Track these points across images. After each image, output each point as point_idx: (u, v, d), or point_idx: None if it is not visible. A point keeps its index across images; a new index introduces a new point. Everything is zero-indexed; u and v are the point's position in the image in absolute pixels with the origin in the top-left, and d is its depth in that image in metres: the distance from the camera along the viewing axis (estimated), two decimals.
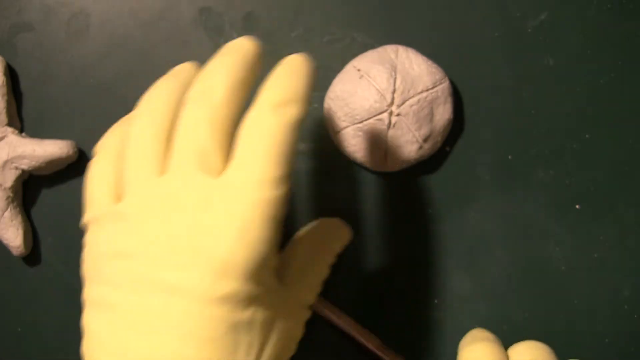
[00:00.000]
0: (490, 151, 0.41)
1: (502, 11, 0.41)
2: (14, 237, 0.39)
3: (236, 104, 0.26)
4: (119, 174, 0.27)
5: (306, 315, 0.32)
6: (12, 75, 0.41)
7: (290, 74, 0.25)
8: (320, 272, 0.34)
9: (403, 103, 0.35)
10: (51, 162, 0.39)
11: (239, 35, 0.41)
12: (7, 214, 0.39)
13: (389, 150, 0.37)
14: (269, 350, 0.25)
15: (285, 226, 0.27)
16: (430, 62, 0.38)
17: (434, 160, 0.40)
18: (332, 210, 0.40)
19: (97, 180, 0.28)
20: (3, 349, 0.41)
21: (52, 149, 0.39)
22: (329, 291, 0.37)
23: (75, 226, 0.41)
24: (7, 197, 0.39)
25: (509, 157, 0.41)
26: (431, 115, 0.36)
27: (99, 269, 0.26)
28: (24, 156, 0.38)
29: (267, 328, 0.25)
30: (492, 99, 0.41)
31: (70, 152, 0.39)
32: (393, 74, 0.36)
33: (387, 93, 0.35)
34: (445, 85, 0.38)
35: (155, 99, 0.28)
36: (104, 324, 0.25)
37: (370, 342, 0.38)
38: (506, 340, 0.40)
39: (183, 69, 0.30)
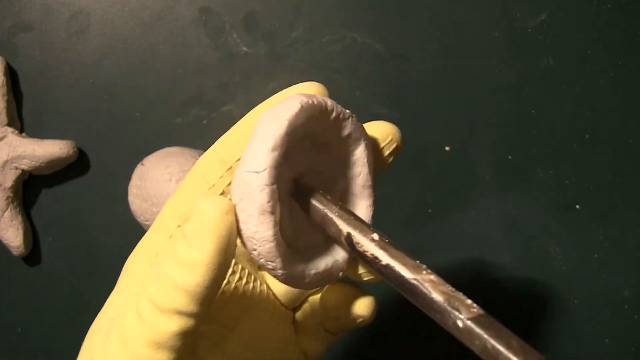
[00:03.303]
0: (490, 151, 0.41)
1: (502, 11, 0.41)
2: (14, 237, 0.39)
3: None
4: None
5: None
6: (12, 75, 0.41)
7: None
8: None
9: None
10: (51, 162, 0.39)
11: (239, 35, 0.41)
12: (7, 214, 0.39)
13: None
14: None
15: None
16: None
17: (434, 160, 0.40)
18: None
19: None
20: (3, 349, 0.41)
21: (52, 149, 0.39)
22: None
23: (75, 226, 0.41)
24: (7, 197, 0.39)
25: (509, 157, 0.41)
26: None
27: None
28: (24, 156, 0.38)
29: None
30: (492, 99, 0.41)
31: (70, 152, 0.39)
32: None
33: None
34: None
35: None
36: None
37: None
38: None
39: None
